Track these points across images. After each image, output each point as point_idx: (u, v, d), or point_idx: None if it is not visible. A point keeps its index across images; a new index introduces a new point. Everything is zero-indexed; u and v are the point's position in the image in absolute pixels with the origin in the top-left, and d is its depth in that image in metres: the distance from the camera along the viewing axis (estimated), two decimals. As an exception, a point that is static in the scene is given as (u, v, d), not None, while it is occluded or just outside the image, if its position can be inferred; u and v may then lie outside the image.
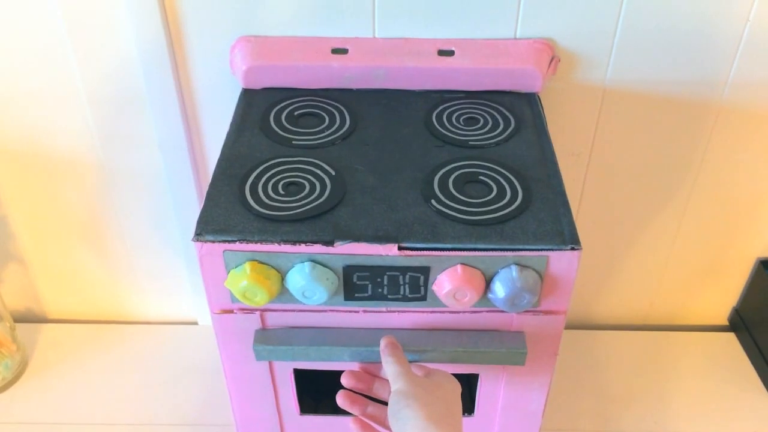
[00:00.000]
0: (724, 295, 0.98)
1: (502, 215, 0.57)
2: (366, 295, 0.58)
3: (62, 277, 0.94)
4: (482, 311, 0.59)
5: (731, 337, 0.97)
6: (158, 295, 0.96)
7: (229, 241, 0.55)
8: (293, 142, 0.65)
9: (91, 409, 0.86)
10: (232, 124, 0.67)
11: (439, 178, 0.61)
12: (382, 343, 0.58)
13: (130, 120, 0.78)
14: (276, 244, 0.54)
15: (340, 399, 0.59)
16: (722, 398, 0.89)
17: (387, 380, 0.57)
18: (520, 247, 0.55)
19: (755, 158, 0.82)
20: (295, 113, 0.68)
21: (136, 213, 0.87)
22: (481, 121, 0.68)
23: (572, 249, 0.55)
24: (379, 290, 0.57)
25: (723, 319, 1.00)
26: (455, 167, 0.62)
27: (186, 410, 0.86)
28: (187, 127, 0.77)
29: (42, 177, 0.84)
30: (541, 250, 0.55)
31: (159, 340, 0.96)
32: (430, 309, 0.59)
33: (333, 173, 0.61)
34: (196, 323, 0.98)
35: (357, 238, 0.55)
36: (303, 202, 0.58)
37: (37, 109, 0.77)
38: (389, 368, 0.56)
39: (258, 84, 0.71)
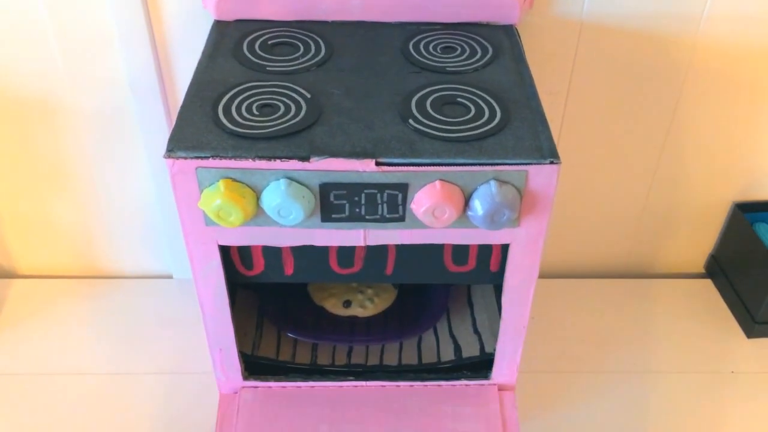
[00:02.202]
0: (700, 242, 0.98)
1: (481, 132, 0.56)
2: (343, 215, 0.57)
3: (33, 230, 0.92)
4: (461, 230, 0.58)
5: (708, 283, 0.98)
6: (132, 248, 0.94)
7: (202, 158, 0.53)
8: (267, 68, 0.63)
9: (65, 360, 0.84)
10: (203, 53, 0.65)
11: (417, 100, 0.60)
12: None
13: (99, 59, 0.76)
14: (250, 161, 0.53)
15: None
16: (701, 340, 0.90)
17: None
18: (499, 161, 0.54)
19: (730, 98, 0.82)
20: (269, 42, 0.67)
21: (108, 160, 0.85)
22: (459, 49, 0.67)
23: (551, 163, 0.55)
24: (357, 210, 0.56)
25: (700, 267, 1.01)
26: (432, 90, 0.61)
27: (162, 360, 0.85)
28: (158, 65, 0.75)
29: (9, 121, 0.81)
30: (520, 164, 0.54)
31: (133, 294, 0.94)
32: (409, 230, 0.58)
33: (308, 96, 0.60)
34: (171, 277, 0.96)
35: (334, 154, 0.54)
36: (278, 121, 0.56)
37: (3, 48, 0.75)
38: None
39: (230, 15, 0.69)
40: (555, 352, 0.87)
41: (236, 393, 0.71)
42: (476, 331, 0.76)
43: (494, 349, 0.70)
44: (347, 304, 0.77)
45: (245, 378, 0.71)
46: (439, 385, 0.73)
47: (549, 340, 0.88)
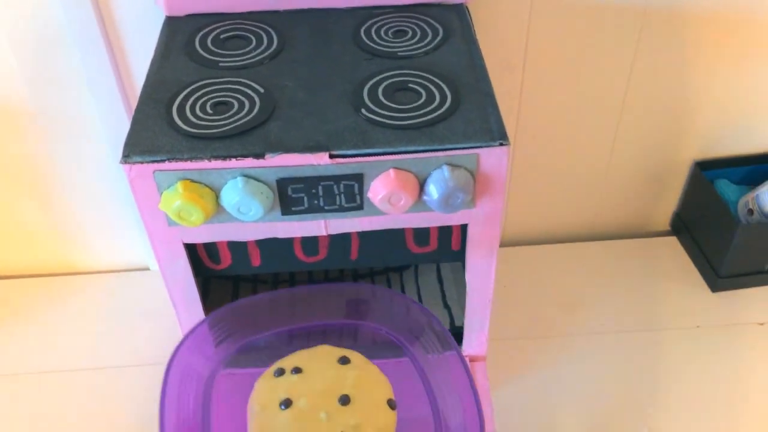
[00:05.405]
0: (665, 201, 1.00)
1: (432, 118, 0.58)
2: (303, 208, 0.58)
3: (4, 231, 0.92)
4: (419, 214, 0.60)
5: (673, 240, 1.00)
6: (106, 242, 0.95)
7: (158, 161, 0.54)
8: (220, 64, 0.64)
9: (46, 358, 0.86)
10: (156, 51, 0.65)
11: (369, 89, 0.61)
12: None
13: (55, 60, 0.75)
14: (207, 161, 0.54)
15: None
16: (668, 297, 0.93)
17: None
18: (450, 146, 0.56)
19: (683, 60, 0.83)
20: (221, 36, 0.67)
21: (74, 158, 0.85)
22: (410, 32, 0.68)
23: (501, 145, 0.56)
24: (315, 202, 0.58)
25: (666, 225, 1.03)
26: (384, 77, 0.62)
27: (144, 352, 0.86)
28: (115, 64, 0.75)
29: (-29, 128, 0.81)
30: (471, 148, 0.56)
31: (111, 288, 0.95)
32: (368, 217, 0.59)
33: (262, 91, 0.60)
34: (147, 269, 0.97)
35: (288, 149, 0.55)
36: (232, 119, 0.57)
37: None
38: None
39: (181, 10, 0.69)
40: (526, 319, 0.90)
41: (216, 380, 0.73)
42: (446, 306, 0.78)
43: (463, 323, 0.72)
44: None
45: (225, 367, 0.73)
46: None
47: (520, 306, 0.91)
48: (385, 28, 0.68)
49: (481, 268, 0.66)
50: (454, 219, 0.61)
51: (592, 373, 0.84)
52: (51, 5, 0.71)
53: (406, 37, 0.67)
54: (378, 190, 0.56)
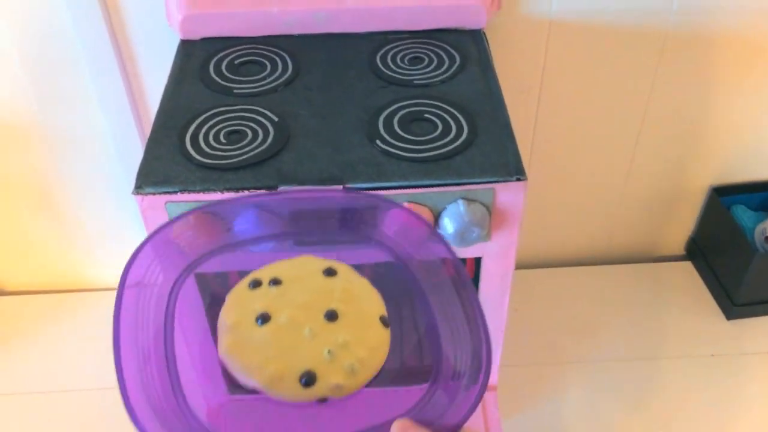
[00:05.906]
0: (680, 225, 0.99)
1: (448, 151, 0.57)
2: (315, 239, 0.57)
3: (16, 248, 0.92)
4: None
5: (688, 265, 0.99)
6: (116, 259, 0.94)
7: (170, 193, 0.54)
8: (234, 90, 0.63)
9: (58, 377, 0.86)
10: (170, 77, 0.65)
11: (384, 118, 0.60)
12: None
13: (67, 79, 0.75)
14: (219, 193, 0.54)
15: None
16: (682, 325, 0.91)
17: None
18: (467, 180, 0.55)
19: (703, 86, 0.82)
20: (236, 62, 0.66)
21: (85, 176, 0.85)
22: (426, 60, 0.67)
23: (518, 180, 0.55)
24: (328, 233, 0.57)
25: (680, 249, 1.02)
26: (400, 107, 0.61)
27: (152, 371, 0.86)
28: (128, 84, 0.75)
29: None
30: (487, 182, 0.55)
31: (121, 305, 0.95)
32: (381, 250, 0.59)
33: (276, 119, 0.60)
34: (157, 286, 0.97)
35: (301, 182, 0.54)
36: (245, 149, 0.57)
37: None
38: None
39: (196, 34, 0.69)
40: (538, 344, 0.89)
41: (222, 406, 0.72)
42: (457, 334, 0.77)
43: (474, 353, 0.71)
44: (308, 380, 0.42)
45: (232, 392, 0.72)
46: (420, 388, 0.74)
47: (531, 332, 0.90)
48: (401, 54, 0.67)
49: (494, 299, 0.65)
50: (468, 252, 0.60)
51: (604, 400, 0.83)
52: (63, 24, 0.71)
53: (423, 65, 0.66)
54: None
